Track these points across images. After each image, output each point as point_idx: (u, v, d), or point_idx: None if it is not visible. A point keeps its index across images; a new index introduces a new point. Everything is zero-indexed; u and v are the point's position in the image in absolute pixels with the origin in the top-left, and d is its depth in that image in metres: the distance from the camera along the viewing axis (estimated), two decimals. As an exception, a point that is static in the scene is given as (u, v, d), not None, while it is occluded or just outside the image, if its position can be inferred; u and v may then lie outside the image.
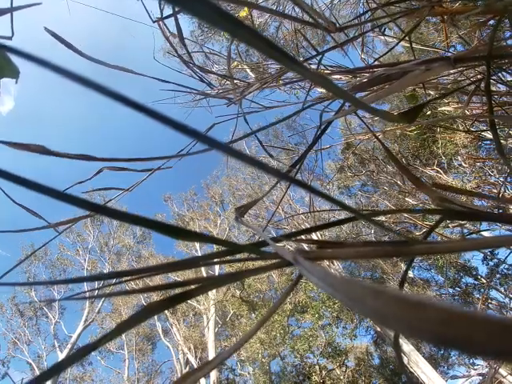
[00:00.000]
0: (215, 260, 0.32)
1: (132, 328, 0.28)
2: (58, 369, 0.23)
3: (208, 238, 0.27)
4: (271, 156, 0.86)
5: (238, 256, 0.33)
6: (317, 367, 10.23)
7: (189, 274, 12.41)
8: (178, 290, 0.29)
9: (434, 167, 9.47)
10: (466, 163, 8.93)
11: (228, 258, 0.32)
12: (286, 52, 0.21)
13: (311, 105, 0.65)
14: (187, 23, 10.29)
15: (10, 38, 0.76)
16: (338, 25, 0.59)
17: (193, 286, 0.31)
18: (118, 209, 0.22)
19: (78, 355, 0.24)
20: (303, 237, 0.35)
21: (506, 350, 0.10)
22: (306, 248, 0.34)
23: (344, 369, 10.39)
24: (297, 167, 0.60)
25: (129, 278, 0.33)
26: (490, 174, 8.41)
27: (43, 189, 0.18)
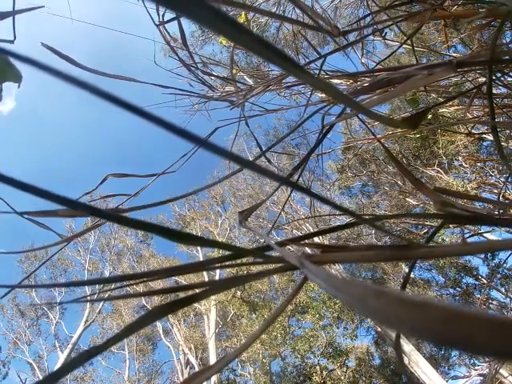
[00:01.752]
0: (220, 264, 0.33)
1: (136, 332, 0.28)
2: (63, 372, 0.23)
3: (213, 243, 0.28)
4: (269, 161, 0.86)
5: (242, 260, 0.34)
6: (317, 367, 10.22)
7: (190, 277, 12.41)
8: (182, 294, 0.29)
9: (435, 167, 9.46)
10: (466, 163, 8.93)
11: (232, 261, 0.33)
12: (288, 57, 0.22)
13: (316, 111, 0.65)
14: (188, 24, 10.30)
15: (12, 42, 0.76)
16: (340, 29, 0.59)
17: (197, 290, 0.31)
18: (124, 215, 0.23)
19: (83, 359, 0.24)
20: (307, 240, 0.35)
21: (507, 349, 0.11)
22: (309, 252, 0.34)
23: (345, 369, 10.38)
24: (298, 171, 0.60)
25: (133, 282, 0.33)
26: (490, 175, 8.41)
27: (52, 196, 0.18)
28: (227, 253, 0.32)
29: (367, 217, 0.32)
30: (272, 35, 8.68)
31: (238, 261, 0.32)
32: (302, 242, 0.34)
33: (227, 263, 0.32)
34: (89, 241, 16.39)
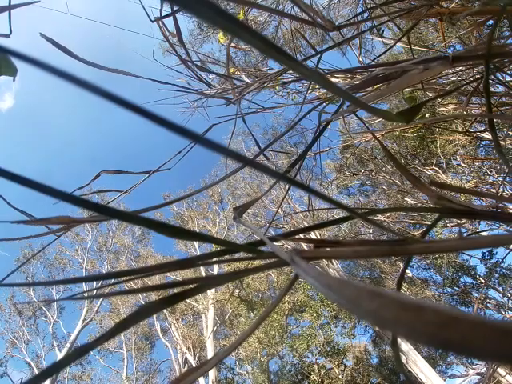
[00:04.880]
0: (213, 260, 0.32)
1: (131, 327, 0.28)
2: (57, 368, 0.23)
3: (207, 238, 0.27)
4: (267, 159, 0.86)
5: (236, 255, 0.33)
6: (315, 366, 10.25)
7: (187, 274, 12.42)
8: (176, 290, 0.29)
9: (433, 167, 9.48)
10: (464, 163, 8.95)
11: (227, 257, 0.32)
12: (286, 51, 0.21)
13: (313, 108, 0.65)
14: (186, 22, 10.28)
15: (8, 36, 0.75)
16: (336, 24, 0.59)
17: (192, 286, 0.31)
18: (121, 209, 0.23)
19: (77, 354, 0.24)
20: (301, 236, 0.35)
21: (504, 353, 0.10)
22: (305, 247, 0.34)
23: (342, 368, 10.41)
24: (295, 168, 0.60)
25: (128, 278, 0.33)
26: (488, 174, 8.43)
27: (48, 190, 0.18)
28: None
29: (362, 211, 0.32)
30: (271, 34, 8.68)
31: (230, 256, 0.32)
32: (295, 237, 0.34)
33: (221, 258, 0.32)
34: (86, 240, 16.39)
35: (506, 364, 0.11)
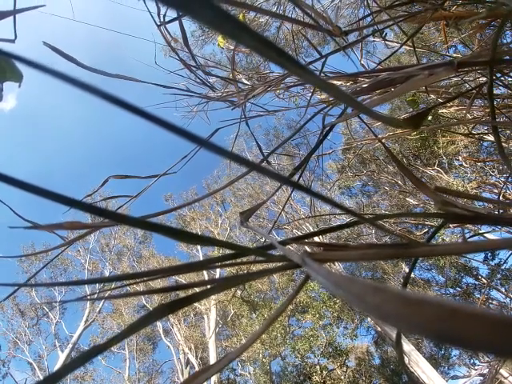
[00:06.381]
0: (221, 263, 0.33)
1: (137, 332, 0.28)
2: (63, 372, 0.24)
3: (216, 241, 0.28)
4: (269, 163, 0.86)
5: (245, 259, 0.34)
6: (317, 367, 10.22)
7: (191, 277, 12.41)
8: (179, 293, 0.29)
9: (435, 167, 9.47)
10: (466, 163, 8.93)
11: (234, 261, 0.33)
12: (291, 57, 0.22)
13: (317, 112, 0.65)
14: (188, 23, 10.29)
15: (13, 41, 0.76)
16: (339, 26, 0.59)
17: (197, 289, 0.31)
18: (127, 214, 0.23)
19: (82, 359, 0.25)
20: (310, 240, 0.35)
21: (506, 346, 0.11)
22: (309, 250, 0.34)
23: (345, 369, 10.38)
24: (299, 171, 0.60)
25: (132, 281, 0.33)
26: (490, 174, 8.41)
27: (59, 198, 0.18)
28: (227, 252, 0.32)
29: (368, 216, 0.32)
30: (272, 35, 8.68)
31: (240, 260, 0.32)
32: (305, 241, 0.35)
33: (228, 262, 0.32)
34: (88, 241, 16.41)
35: (507, 357, 0.11)
